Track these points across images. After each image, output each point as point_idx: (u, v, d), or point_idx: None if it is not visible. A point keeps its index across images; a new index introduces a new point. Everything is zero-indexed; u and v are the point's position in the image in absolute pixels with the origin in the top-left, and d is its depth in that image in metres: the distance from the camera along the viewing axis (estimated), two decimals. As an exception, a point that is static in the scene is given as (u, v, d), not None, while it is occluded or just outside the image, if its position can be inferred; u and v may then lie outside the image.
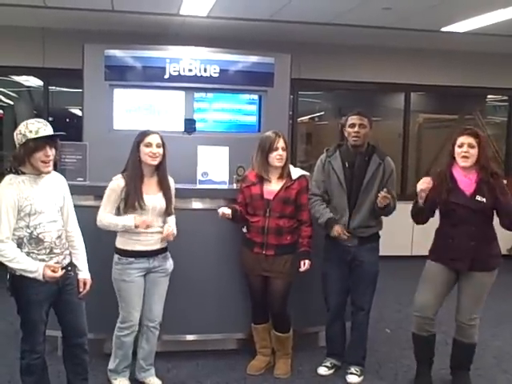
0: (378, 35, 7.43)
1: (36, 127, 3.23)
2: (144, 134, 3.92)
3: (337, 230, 4.15)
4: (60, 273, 3.27)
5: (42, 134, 3.23)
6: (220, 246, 4.55)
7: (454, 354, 4.24)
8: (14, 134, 3.26)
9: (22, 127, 3.24)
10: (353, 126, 4.24)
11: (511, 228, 3.96)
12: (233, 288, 4.57)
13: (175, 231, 3.99)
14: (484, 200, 3.88)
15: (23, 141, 3.22)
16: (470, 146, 3.87)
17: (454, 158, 3.96)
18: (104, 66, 6.57)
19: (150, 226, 3.86)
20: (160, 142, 3.91)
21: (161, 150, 3.90)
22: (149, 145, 3.86)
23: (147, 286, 3.99)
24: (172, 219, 4.05)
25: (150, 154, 3.86)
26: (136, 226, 3.82)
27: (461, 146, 3.90)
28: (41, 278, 3.21)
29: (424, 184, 3.93)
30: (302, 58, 7.69)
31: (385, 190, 4.03)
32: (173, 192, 4.04)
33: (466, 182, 3.93)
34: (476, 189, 3.90)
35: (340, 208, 4.24)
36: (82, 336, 3.57)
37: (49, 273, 3.22)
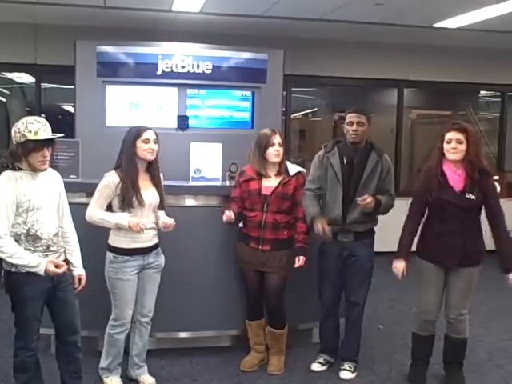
0: (371, 31, 7.43)
1: (36, 128, 3.21)
2: (140, 129, 3.90)
3: (318, 224, 4.08)
4: (63, 269, 3.28)
5: (41, 135, 3.21)
6: (213, 243, 4.54)
7: (445, 349, 4.26)
8: (12, 130, 3.24)
9: (21, 126, 3.21)
10: (351, 123, 4.23)
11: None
12: (226, 285, 4.57)
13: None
14: (473, 197, 3.90)
15: (22, 140, 3.20)
16: (458, 141, 3.88)
17: (444, 154, 3.97)
18: (96, 62, 6.56)
19: (142, 229, 3.79)
20: (155, 137, 3.91)
21: (156, 146, 3.91)
22: (147, 141, 3.85)
23: (141, 282, 3.98)
24: (163, 213, 4.04)
25: (149, 150, 3.85)
26: (129, 227, 3.78)
27: (449, 142, 3.91)
28: (42, 272, 3.20)
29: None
30: (295, 54, 7.69)
31: (364, 197, 4.06)
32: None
33: (456, 178, 3.94)
34: (465, 186, 3.91)
35: (333, 203, 4.24)
36: (76, 333, 3.56)
37: (52, 268, 3.21)
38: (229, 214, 4.11)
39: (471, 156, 3.89)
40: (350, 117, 4.26)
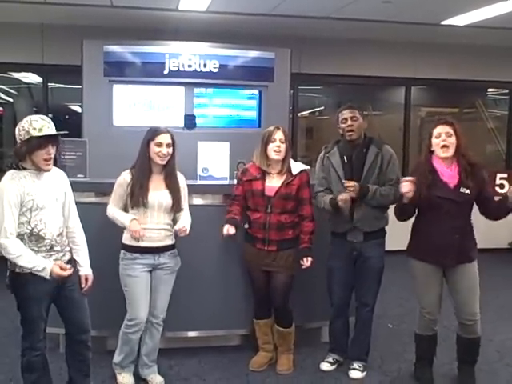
0: (378, 29, 7.41)
1: (40, 125, 3.20)
2: (155, 132, 3.88)
3: (341, 198, 4.10)
4: (68, 272, 3.27)
5: (45, 132, 3.20)
6: (221, 242, 4.51)
7: (460, 350, 4.19)
8: (16, 129, 3.23)
9: (25, 123, 3.21)
10: (345, 120, 4.24)
11: (491, 217, 4.04)
12: (235, 284, 4.56)
13: (187, 228, 3.94)
14: (468, 192, 3.87)
15: (26, 137, 3.19)
16: (448, 134, 3.87)
17: (432, 151, 3.95)
18: (103, 61, 6.57)
19: (141, 236, 3.81)
20: (170, 141, 3.88)
21: (170, 150, 3.88)
22: (159, 144, 3.84)
23: (153, 282, 3.97)
24: (184, 215, 4.02)
25: (160, 154, 3.83)
26: (130, 230, 3.82)
27: (438, 136, 3.89)
28: (48, 276, 3.20)
29: (406, 187, 3.88)
30: (302, 52, 7.68)
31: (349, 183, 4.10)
32: (184, 188, 4.03)
33: (449, 173, 3.90)
34: (459, 180, 3.88)
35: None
36: (86, 332, 3.55)
37: (57, 270, 3.20)
38: (226, 232, 4.14)
39: (463, 149, 3.89)
40: (344, 114, 4.27)
